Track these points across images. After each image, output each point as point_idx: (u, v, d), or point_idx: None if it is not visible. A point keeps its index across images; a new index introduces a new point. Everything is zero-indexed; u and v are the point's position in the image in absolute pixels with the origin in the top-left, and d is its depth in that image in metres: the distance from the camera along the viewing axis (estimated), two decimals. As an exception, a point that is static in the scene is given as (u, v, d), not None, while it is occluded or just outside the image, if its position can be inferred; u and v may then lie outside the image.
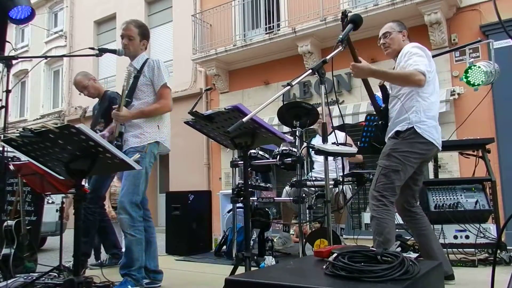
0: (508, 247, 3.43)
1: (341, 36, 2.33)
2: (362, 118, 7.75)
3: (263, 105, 1.96)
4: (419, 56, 2.51)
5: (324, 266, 1.41)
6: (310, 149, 4.08)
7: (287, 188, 4.32)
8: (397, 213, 2.77)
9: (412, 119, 2.49)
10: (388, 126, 2.70)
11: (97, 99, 4.11)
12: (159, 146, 2.96)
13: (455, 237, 3.51)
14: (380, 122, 2.76)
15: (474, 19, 7.58)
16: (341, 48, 2.34)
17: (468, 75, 3.97)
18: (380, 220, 2.43)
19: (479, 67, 3.88)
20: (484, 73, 3.86)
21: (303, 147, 3.88)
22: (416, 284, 1.29)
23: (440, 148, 2.61)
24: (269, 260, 3.51)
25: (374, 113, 2.93)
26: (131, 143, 2.87)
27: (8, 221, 3.34)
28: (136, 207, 2.79)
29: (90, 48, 3.07)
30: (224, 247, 4.45)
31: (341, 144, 2.81)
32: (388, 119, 2.70)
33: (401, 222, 2.91)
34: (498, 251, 3.32)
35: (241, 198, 3.94)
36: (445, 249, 3.47)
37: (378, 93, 2.86)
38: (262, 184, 4.35)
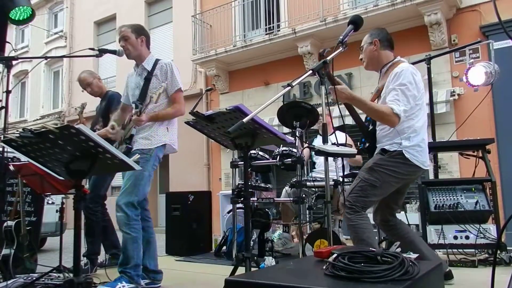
0: (508, 248, 3.44)
1: (341, 37, 2.36)
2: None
3: (263, 105, 1.95)
4: (402, 91, 2.37)
5: (324, 267, 1.41)
6: (312, 151, 4.07)
7: (286, 188, 4.32)
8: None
9: (403, 144, 2.42)
10: (375, 148, 2.61)
11: (98, 100, 4.12)
12: (165, 148, 2.98)
13: (455, 237, 3.51)
14: (368, 145, 2.69)
15: (474, 19, 7.57)
16: (341, 49, 2.35)
17: (468, 75, 3.98)
18: (356, 226, 2.37)
19: (479, 67, 3.90)
20: (484, 73, 3.87)
21: (303, 147, 3.88)
22: (416, 284, 1.29)
23: (426, 169, 2.53)
24: (269, 261, 3.51)
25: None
26: (140, 144, 2.89)
27: (8, 221, 3.34)
28: (132, 207, 2.78)
29: (90, 48, 3.07)
30: (224, 247, 4.45)
31: (341, 144, 2.80)
32: (376, 141, 2.62)
33: None
34: (498, 252, 3.32)
35: (241, 199, 3.94)
36: (445, 250, 3.48)
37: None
38: (262, 185, 4.35)
